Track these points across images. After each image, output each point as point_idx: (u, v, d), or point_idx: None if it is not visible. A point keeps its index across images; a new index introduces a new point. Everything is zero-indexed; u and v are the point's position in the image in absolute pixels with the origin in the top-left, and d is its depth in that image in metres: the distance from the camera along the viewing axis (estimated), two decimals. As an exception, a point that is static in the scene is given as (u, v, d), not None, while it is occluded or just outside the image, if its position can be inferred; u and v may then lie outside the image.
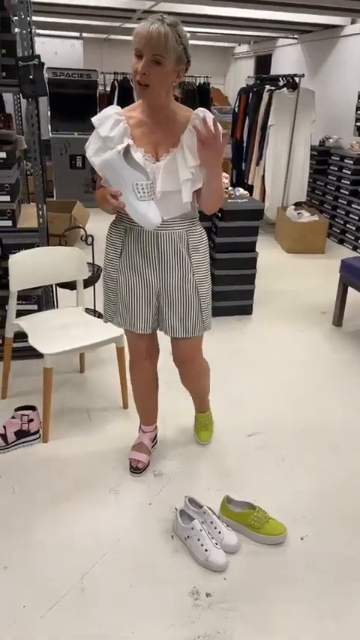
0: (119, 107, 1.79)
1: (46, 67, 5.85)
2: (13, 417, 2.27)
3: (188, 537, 1.80)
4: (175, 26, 1.60)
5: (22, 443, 2.27)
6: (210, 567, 1.73)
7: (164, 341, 2.05)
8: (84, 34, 8.08)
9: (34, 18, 5.22)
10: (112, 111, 1.75)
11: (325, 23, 6.16)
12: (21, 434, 2.26)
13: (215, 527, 1.83)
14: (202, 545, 1.76)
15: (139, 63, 1.59)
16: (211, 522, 1.84)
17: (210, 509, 1.87)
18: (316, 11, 5.50)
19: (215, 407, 2.43)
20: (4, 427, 2.25)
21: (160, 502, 2.01)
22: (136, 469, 2.14)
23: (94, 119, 1.74)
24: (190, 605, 1.62)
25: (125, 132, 1.71)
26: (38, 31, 7.15)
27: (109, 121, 1.72)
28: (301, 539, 1.88)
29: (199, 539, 1.77)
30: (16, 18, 2.44)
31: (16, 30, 2.55)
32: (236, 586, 1.69)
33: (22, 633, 1.52)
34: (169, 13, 1.65)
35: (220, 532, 1.82)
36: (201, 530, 1.78)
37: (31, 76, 2.42)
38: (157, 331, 2.02)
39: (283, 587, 1.70)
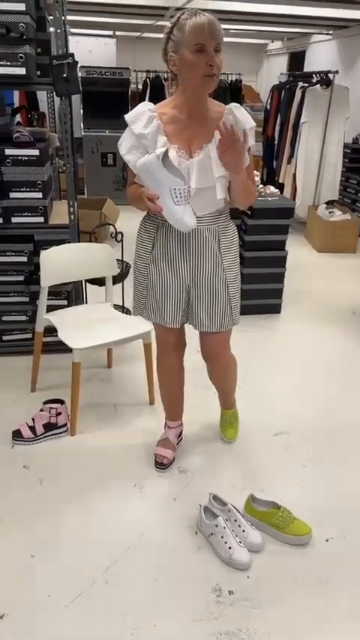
0: (152, 103, 1.80)
1: (79, 65, 5.93)
2: (41, 410, 2.31)
3: (212, 534, 1.80)
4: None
5: (50, 435, 2.31)
6: (233, 565, 1.73)
7: (192, 339, 2.05)
8: (117, 33, 8.14)
9: (69, 17, 5.30)
10: (146, 107, 1.76)
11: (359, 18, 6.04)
12: (49, 426, 2.30)
13: (239, 526, 1.82)
14: (225, 542, 1.76)
15: (205, 56, 1.60)
16: (235, 520, 1.83)
17: (234, 507, 1.87)
18: (350, 6, 5.39)
19: (241, 405, 2.42)
20: (33, 420, 2.29)
21: (184, 498, 2.02)
22: (161, 464, 2.15)
23: (127, 116, 1.75)
24: (213, 602, 1.62)
25: (159, 129, 1.72)
26: (72, 30, 7.24)
27: (143, 117, 1.73)
28: (327, 540, 1.86)
29: (222, 537, 1.77)
30: (51, 17, 2.47)
31: (51, 29, 2.58)
32: (259, 585, 1.68)
33: (47, 621, 1.55)
34: (203, 10, 1.65)
35: (244, 530, 1.81)
36: (225, 528, 1.78)
37: (64, 75, 2.45)
38: (186, 326, 2.03)
39: (307, 588, 1.68)
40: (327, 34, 7.42)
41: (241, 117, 1.73)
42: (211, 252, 1.85)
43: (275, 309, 3.68)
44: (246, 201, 1.84)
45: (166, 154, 1.63)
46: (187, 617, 1.58)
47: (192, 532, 1.87)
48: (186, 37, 1.61)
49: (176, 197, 1.62)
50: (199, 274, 1.86)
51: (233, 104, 1.77)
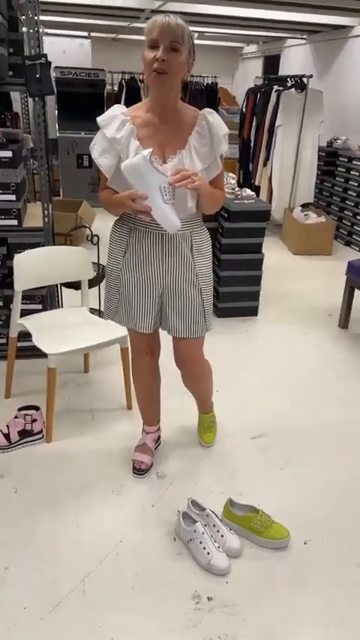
0: (124, 107, 1.78)
1: (53, 66, 5.86)
2: (16, 417, 2.26)
3: (191, 540, 1.78)
4: (186, 23, 1.63)
5: (26, 443, 2.26)
6: (212, 571, 1.72)
7: (170, 343, 2.04)
8: (92, 34, 8.08)
9: (43, 17, 5.23)
10: (118, 111, 1.74)
11: (334, 24, 6.12)
12: (24, 434, 2.25)
13: (218, 531, 1.81)
14: (204, 548, 1.74)
15: (155, 52, 1.59)
16: (214, 525, 1.82)
17: (213, 512, 1.86)
18: (324, 11, 5.46)
19: (219, 409, 2.41)
20: (8, 427, 2.25)
21: (162, 504, 2.00)
22: (139, 470, 2.13)
23: (99, 119, 1.73)
24: (192, 609, 1.61)
25: (132, 133, 1.70)
26: (47, 30, 7.16)
27: (115, 121, 1.70)
28: (305, 543, 1.86)
29: (201, 542, 1.75)
30: (24, 17, 2.43)
31: (24, 29, 2.54)
32: (238, 590, 1.68)
33: (22, 635, 1.51)
34: (178, 13, 1.65)
35: (222, 535, 1.80)
36: (203, 533, 1.77)
37: (37, 75, 2.41)
38: (160, 330, 2.02)
39: (286, 592, 1.68)
40: (301, 38, 7.51)
41: (215, 123, 1.73)
42: (184, 257, 1.83)
43: (252, 312, 3.69)
44: (212, 208, 1.85)
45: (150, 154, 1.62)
46: (166, 625, 1.56)
47: (171, 538, 1.85)
48: (144, 35, 1.62)
49: (165, 195, 1.62)
50: (172, 279, 1.85)
51: (207, 109, 1.76)
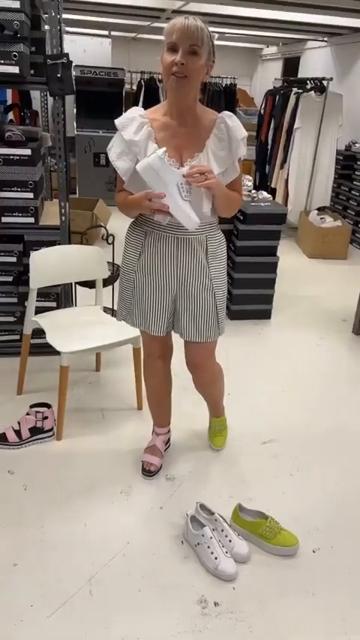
0: (142, 109, 1.77)
1: (74, 64, 5.89)
2: (27, 414, 2.27)
3: (198, 544, 1.78)
4: (206, 24, 1.61)
5: (36, 440, 2.27)
6: (219, 576, 1.71)
7: (181, 345, 2.03)
8: (112, 33, 8.10)
9: (64, 15, 5.25)
10: (136, 113, 1.73)
11: (355, 26, 6.07)
12: (35, 431, 2.26)
13: (226, 536, 1.80)
14: (212, 553, 1.73)
15: (175, 55, 1.58)
16: (222, 530, 1.81)
17: (221, 516, 1.85)
18: (345, 14, 5.42)
19: (230, 412, 2.40)
20: (19, 423, 2.26)
21: (171, 506, 1.99)
22: (148, 472, 2.13)
23: (117, 121, 1.73)
24: (198, 614, 1.60)
25: (150, 135, 1.70)
26: (67, 28, 7.21)
27: (133, 124, 1.70)
28: (314, 551, 1.84)
29: (209, 547, 1.75)
30: (46, 15, 2.44)
31: (46, 27, 2.55)
32: (245, 596, 1.66)
33: (28, 633, 1.52)
34: (199, 14, 1.65)
35: (230, 540, 1.79)
36: (211, 538, 1.76)
37: (58, 75, 2.42)
38: (172, 333, 2.01)
39: (293, 600, 1.67)
40: (322, 40, 7.46)
41: (234, 126, 1.72)
42: (199, 261, 1.82)
43: (266, 315, 3.67)
44: (227, 210, 1.83)
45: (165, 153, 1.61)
46: (171, 629, 1.55)
47: (178, 541, 1.85)
48: (163, 37, 1.62)
49: (183, 192, 1.62)
50: (186, 283, 1.84)
51: (226, 112, 1.75)
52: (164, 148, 1.59)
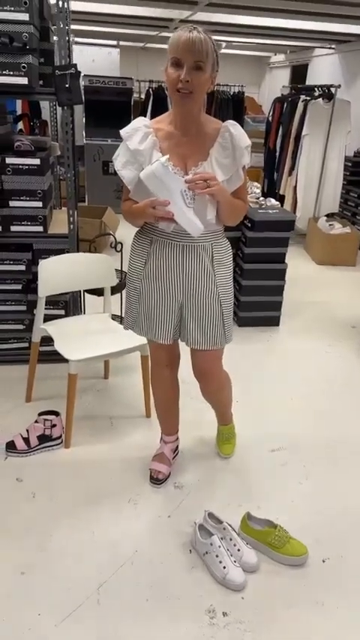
0: (147, 119, 1.79)
1: (82, 74, 5.95)
2: (36, 422, 2.28)
3: (207, 553, 1.77)
4: (209, 34, 1.61)
5: (45, 448, 2.28)
6: (228, 585, 1.70)
7: (188, 353, 2.03)
8: (121, 43, 8.18)
9: (73, 27, 5.31)
10: (141, 123, 1.75)
11: (363, 33, 6.08)
12: (44, 438, 2.27)
13: (234, 545, 1.79)
14: (220, 562, 1.72)
15: (179, 71, 1.59)
16: (231, 539, 1.80)
17: (230, 525, 1.83)
18: (353, 21, 5.43)
19: (239, 420, 2.39)
20: (27, 431, 2.26)
21: (179, 515, 1.99)
22: (156, 480, 2.12)
23: (122, 131, 1.74)
24: (206, 624, 1.59)
25: (154, 145, 1.71)
26: (76, 39, 7.28)
27: (138, 133, 1.71)
28: (323, 561, 1.83)
29: (217, 556, 1.73)
30: (55, 27, 2.47)
31: (55, 39, 2.58)
32: (254, 606, 1.65)
33: (36, 641, 1.51)
34: (207, 23, 1.66)
35: (239, 549, 1.78)
36: (220, 547, 1.75)
37: (67, 85, 2.44)
38: (179, 341, 2.01)
39: (302, 610, 1.65)
40: (329, 47, 7.48)
41: (237, 134, 1.72)
42: (205, 269, 1.82)
43: (274, 322, 3.66)
44: (231, 218, 1.83)
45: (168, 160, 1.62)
46: (179, 639, 1.54)
47: (186, 550, 1.84)
48: (168, 49, 1.62)
49: (187, 198, 1.63)
50: (192, 291, 1.84)
51: (230, 121, 1.76)
52: (167, 156, 1.60)
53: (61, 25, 2.43)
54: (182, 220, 1.64)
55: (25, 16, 2.29)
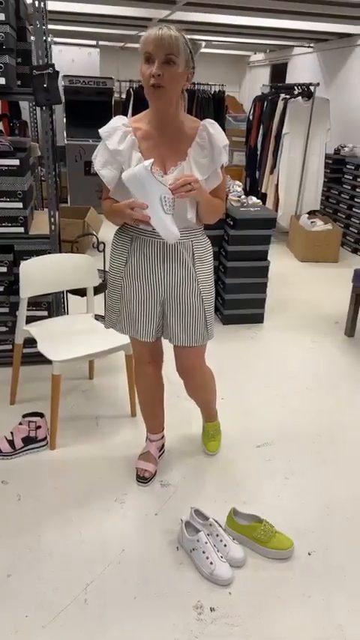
0: (126, 118, 1.79)
1: (62, 74, 5.91)
2: (20, 424, 2.27)
3: (194, 550, 1.77)
4: (181, 32, 1.62)
5: (30, 449, 2.26)
6: (215, 581, 1.71)
7: (171, 351, 2.03)
8: (100, 42, 8.15)
9: (51, 26, 5.28)
10: (119, 122, 1.74)
11: (340, 32, 6.14)
12: (28, 440, 2.25)
13: (221, 540, 1.80)
14: (207, 558, 1.73)
15: (151, 67, 1.59)
16: (217, 535, 1.81)
17: (216, 521, 1.84)
18: (331, 20, 5.48)
19: (224, 417, 2.40)
20: (12, 433, 2.25)
21: (166, 513, 1.99)
22: (142, 478, 2.12)
23: (101, 131, 1.74)
24: (194, 620, 1.59)
25: (133, 145, 1.71)
26: (55, 39, 7.24)
27: (117, 133, 1.71)
28: (309, 554, 1.85)
29: (204, 552, 1.74)
30: (32, 27, 2.46)
31: (32, 39, 2.57)
32: (241, 601, 1.66)
33: (23, 643, 1.51)
34: (186, 22, 1.67)
35: (225, 545, 1.79)
36: (206, 543, 1.76)
37: (45, 85, 2.43)
38: (162, 339, 2.02)
39: (289, 603, 1.67)
40: (308, 46, 7.54)
41: (215, 134, 1.73)
42: (186, 265, 1.83)
43: (258, 319, 3.68)
44: (210, 217, 1.84)
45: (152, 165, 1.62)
46: (167, 636, 1.55)
47: (173, 547, 1.84)
48: (140, 49, 1.63)
49: (166, 205, 1.62)
50: (174, 288, 1.85)
51: (208, 120, 1.77)
52: (152, 160, 1.60)
53: (38, 25, 2.42)
54: (158, 225, 1.64)
55: (1, 16, 2.27)
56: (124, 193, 1.69)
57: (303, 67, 7.86)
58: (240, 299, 3.59)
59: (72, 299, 3.06)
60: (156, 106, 1.69)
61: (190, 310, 1.88)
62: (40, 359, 2.34)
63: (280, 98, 5.54)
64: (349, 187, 5.62)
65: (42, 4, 2.40)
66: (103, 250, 3.08)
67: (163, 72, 1.59)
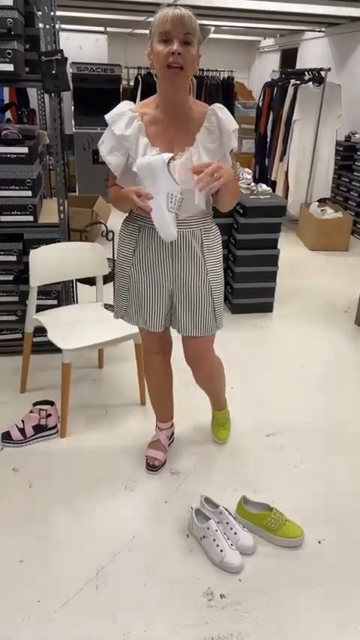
0: (132, 103, 1.76)
1: (70, 62, 5.87)
2: (31, 412, 2.28)
3: (204, 537, 1.78)
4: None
5: (40, 437, 2.28)
6: (225, 568, 1.72)
7: (180, 340, 2.03)
8: (108, 29, 8.07)
9: (59, 13, 5.23)
10: (126, 107, 1.72)
11: (352, 15, 6.02)
12: (39, 428, 2.27)
13: (231, 528, 1.81)
14: (217, 545, 1.74)
15: (169, 46, 1.56)
16: (227, 523, 1.82)
17: (226, 509, 1.85)
18: (343, 3, 5.38)
19: (233, 405, 2.40)
20: (23, 421, 2.26)
21: (175, 500, 2.00)
22: (152, 467, 2.13)
23: (107, 116, 1.71)
24: (204, 606, 1.60)
25: (140, 130, 1.68)
26: (63, 26, 7.18)
27: (124, 118, 1.69)
28: (319, 542, 1.85)
29: (214, 540, 1.75)
30: (40, 13, 2.43)
31: (40, 25, 2.54)
32: (251, 588, 1.67)
33: (35, 629, 1.52)
34: (194, 7, 1.64)
35: (235, 533, 1.80)
36: (216, 531, 1.76)
37: (53, 71, 2.41)
38: (171, 328, 2.01)
39: (299, 591, 1.67)
40: (319, 31, 7.41)
41: (224, 118, 1.70)
42: (194, 255, 1.81)
43: (267, 308, 3.66)
44: (231, 203, 1.82)
45: (170, 160, 1.60)
46: (178, 621, 1.56)
47: (183, 535, 1.85)
48: (154, 28, 1.60)
49: (171, 203, 1.60)
50: (182, 278, 1.83)
51: (216, 105, 1.73)
52: (170, 155, 1.58)
53: (46, 10, 2.39)
54: (158, 220, 1.62)
55: (9, 1, 2.25)
56: (131, 180, 1.67)
57: (314, 52, 7.73)
58: (249, 288, 3.57)
59: (81, 288, 3.06)
60: (170, 88, 1.65)
61: (199, 301, 1.86)
62: (50, 348, 2.34)
63: (291, 84, 5.46)
64: (360, 175, 5.55)
65: (50, -12, 2.37)
66: (112, 239, 3.07)
67: (183, 52, 1.56)
